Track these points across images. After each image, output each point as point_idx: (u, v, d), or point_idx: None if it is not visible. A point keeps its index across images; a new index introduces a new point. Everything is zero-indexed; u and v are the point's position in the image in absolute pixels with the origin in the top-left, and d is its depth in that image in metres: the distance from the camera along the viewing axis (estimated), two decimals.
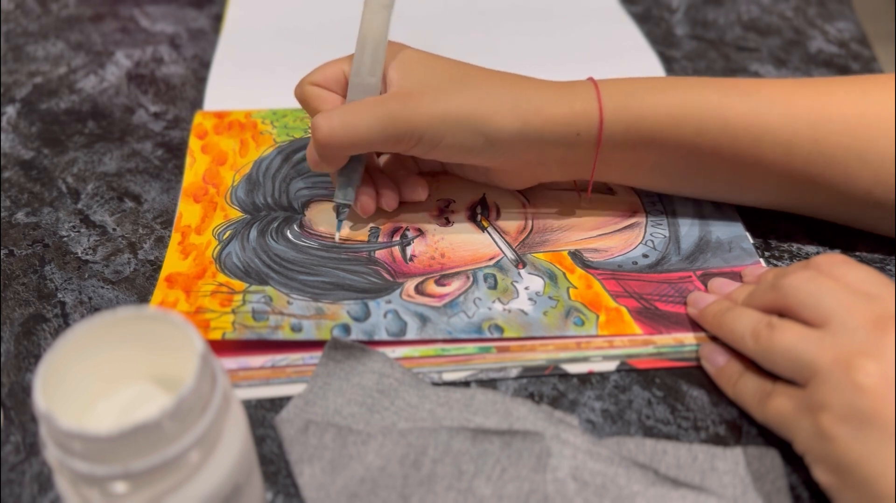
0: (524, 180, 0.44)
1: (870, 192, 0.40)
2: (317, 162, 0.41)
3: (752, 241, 0.45)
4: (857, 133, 0.39)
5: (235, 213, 0.46)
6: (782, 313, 0.34)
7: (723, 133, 0.40)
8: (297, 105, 0.44)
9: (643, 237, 0.45)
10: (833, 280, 0.33)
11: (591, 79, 0.41)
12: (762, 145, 0.40)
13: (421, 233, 0.45)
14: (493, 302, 0.41)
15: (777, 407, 0.32)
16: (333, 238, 0.44)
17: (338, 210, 0.43)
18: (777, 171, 0.41)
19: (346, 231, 0.45)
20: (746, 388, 0.35)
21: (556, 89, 0.41)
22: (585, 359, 0.38)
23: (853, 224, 0.43)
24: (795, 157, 0.40)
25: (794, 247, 0.45)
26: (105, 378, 0.26)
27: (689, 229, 0.45)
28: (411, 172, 0.46)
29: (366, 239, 0.44)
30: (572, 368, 0.38)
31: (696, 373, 0.38)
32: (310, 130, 0.40)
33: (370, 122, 0.38)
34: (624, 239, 0.45)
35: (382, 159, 0.47)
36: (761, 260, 0.43)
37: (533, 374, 0.38)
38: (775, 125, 0.40)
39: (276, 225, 0.45)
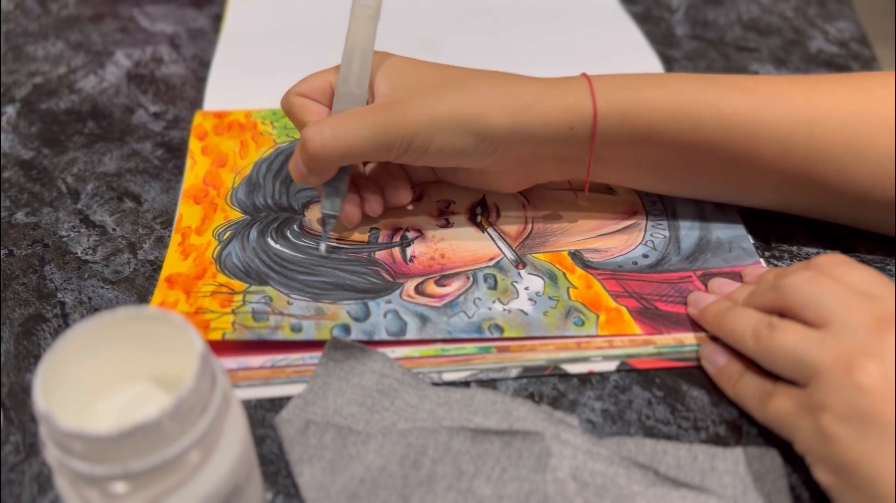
0: (518, 181, 0.44)
1: (868, 191, 0.40)
2: (304, 175, 0.40)
3: (752, 241, 0.45)
4: (854, 130, 0.39)
5: (236, 214, 0.46)
6: (783, 313, 0.34)
7: (719, 128, 0.40)
8: None
9: (643, 237, 0.45)
10: (834, 280, 0.33)
11: (584, 74, 0.41)
12: (759, 141, 0.40)
13: (421, 233, 0.45)
14: (493, 302, 0.41)
15: (777, 407, 0.32)
16: (332, 239, 0.44)
17: (324, 220, 0.43)
18: (774, 169, 0.40)
19: (340, 234, 0.45)
20: (747, 388, 0.35)
21: (548, 85, 0.40)
22: (585, 360, 0.38)
23: (853, 224, 0.43)
24: (792, 154, 0.40)
25: (795, 247, 0.45)
26: (105, 378, 0.26)
27: (690, 229, 0.45)
28: (395, 177, 0.45)
29: (366, 239, 0.44)
30: (572, 368, 0.38)
31: (697, 374, 0.38)
32: (299, 142, 0.39)
33: (360, 133, 0.38)
34: (624, 239, 0.45)
35: (368, 167, 0.46)
36: (761, 260, 0.43)
37: (533, 374, 0.38)
38: (772, 121, 0.39)
39: (275, 225, 0.45)
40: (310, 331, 0.39)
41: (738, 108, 0.39)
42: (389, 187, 0.44)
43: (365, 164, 0.46)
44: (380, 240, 0.44)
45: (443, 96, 0.39)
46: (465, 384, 0.37)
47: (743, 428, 0.35)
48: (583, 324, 0.40)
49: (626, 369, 0.38)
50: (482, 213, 0.46)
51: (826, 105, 0.39)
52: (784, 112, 0.39)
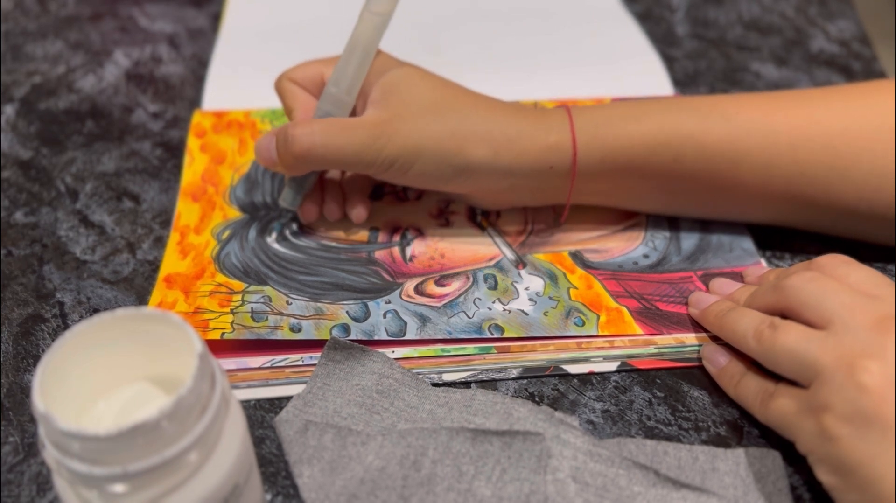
0: (496, 204, 0.44)
1: (854, 209, 0.40)
2: (274, 163, 0.40)
3: (753, 241, 0.44)
4: (837, 152, 0.39)
5: (234, 213, 0.46)
6: (784, 314, 0.34)
7: (700, 159, 0.40)
8: None
9: (644, 237, 0.45)
10: (835, 281, 0.33)
11: (565, 107, 0.41)
12: (741, 169, 0.40)
13: (420, 233, 0.45)
14: (493, 302, 0.41)
15: (779, 407, 0.32)
16: (331, 238, 0.44)
17: (280, 213, 0.44)
18: (757, 192, 0.41)
19: (340, 233, 0.44)
20: (748, 389, 0.35)
21: (531, 120, 0.40)
22: (586, 360, 0.38)
23: (843, 236, 0.43)
24: (775, 178, 0.40)
25: (796, 247, 0.44)
26: (104, 378, 0.26)
27: (690, 229, 0.45)
28: (360, 192, 0.45)
29: (365, 239, 0.44)
30: (573, 369, 0.38)
31: (698, 374, 0.38)
32: (280, 133, 0.40)
33: (348, 146, 0.38)
34: (624, 239, 0.45)
35: (346, 174, 0.46)
36: (762, 260, 0.43)
37: (533, 375, 0.38)
38: (754, 149, 0.39)
39: (274, 225, 0.45)
40: (309, 332, 0.39)
41: (718, 137, 0.39)
42: (350, 201, 0.44)
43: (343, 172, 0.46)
44: (379, 239, 0.44)
45: (427, 125, 0.39)
46: (466, 384, 0.37)
47: (744, 428, 0.35)
48: (583, 324, 0.40)
49: (626, 370, 0.38)
50: (482, 212, 0.46)
51: (808, 127, 0.39)
52: (766, 138, 0.39)
